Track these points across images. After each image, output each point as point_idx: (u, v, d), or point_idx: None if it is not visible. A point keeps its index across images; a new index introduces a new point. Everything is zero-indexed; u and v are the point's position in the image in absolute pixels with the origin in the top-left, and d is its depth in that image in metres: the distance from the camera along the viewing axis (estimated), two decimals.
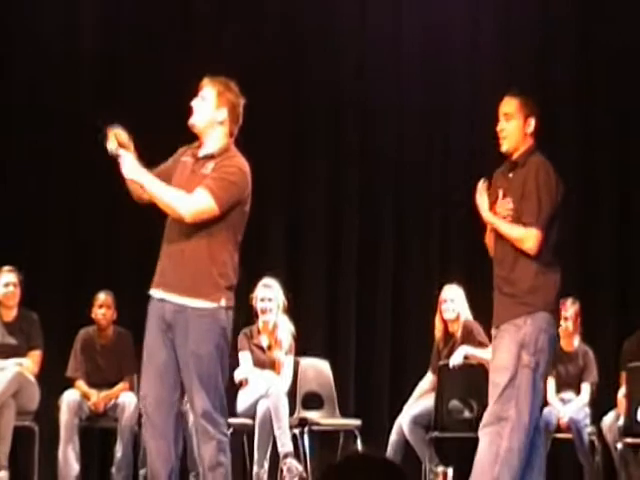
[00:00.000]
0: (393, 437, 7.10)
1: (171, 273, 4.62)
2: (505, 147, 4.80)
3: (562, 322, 7.30)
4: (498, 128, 4.81)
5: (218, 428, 4.62)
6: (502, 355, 4.68)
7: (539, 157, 4.80)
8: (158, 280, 4.67)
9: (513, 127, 4.81)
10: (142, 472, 6.98)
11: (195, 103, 4.69)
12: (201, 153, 4.68)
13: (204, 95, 4.68)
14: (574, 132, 8.25)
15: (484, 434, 4.64)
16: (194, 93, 4.71)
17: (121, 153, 4.54)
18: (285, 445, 6.76)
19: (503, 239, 4.75)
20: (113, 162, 4.60)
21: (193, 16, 8.49)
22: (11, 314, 7.27)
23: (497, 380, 4.66)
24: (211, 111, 4.67)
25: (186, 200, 4.55)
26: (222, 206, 4.56)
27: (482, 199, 4.81)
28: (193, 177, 4.61)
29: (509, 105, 4.82)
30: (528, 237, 4.68)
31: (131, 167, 4.58)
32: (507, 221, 4.73)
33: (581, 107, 8.27)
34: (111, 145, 4.53)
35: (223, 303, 4.60)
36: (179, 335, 4.60)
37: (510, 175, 4.80)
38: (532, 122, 4.80)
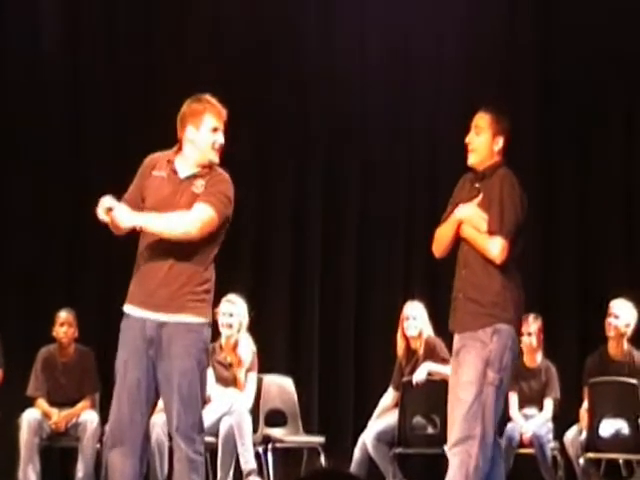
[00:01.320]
0: (357, 454, 7.08)
1: (156, 290, 4.59)
2: (471, 160, 4.81)
3: (525, 338, 7.33)
4: (467, 140, 4.82)
5: (193, 446, 4.59)
6: (468, 371, 4.65)
7: (506, 171, 4.81)
8: (138, 298, 4.63)
9: (481, 141, 4.81)
10: None
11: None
12: (183, 173, 4.66)
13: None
14: (535, 139, 8.32)
15: (454, 454, 4.63)
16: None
17: (112, 211, 4.56)
18: (248, 462, 6.76)
19: (469, 244, 4.74)
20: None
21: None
22: None
23: (462, 396, 4.64)
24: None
25: (189, 218, 4.56)
26: (220, 219, 4.60)
27: (465, 207, 4.76)
28: (183, 196, 4.61)
29: (481, 119, 4.82)
30: (493, 245, 4.67)
31: (124, 218, 4.56)
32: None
33: (543, 115, 8.34)
34: (102, 216, 4.57)
35: (208, 318, 4.62)
36: (162, 350, 4.57)
37: (476, 185, 4.81)
38: (500, 141, 4.80)
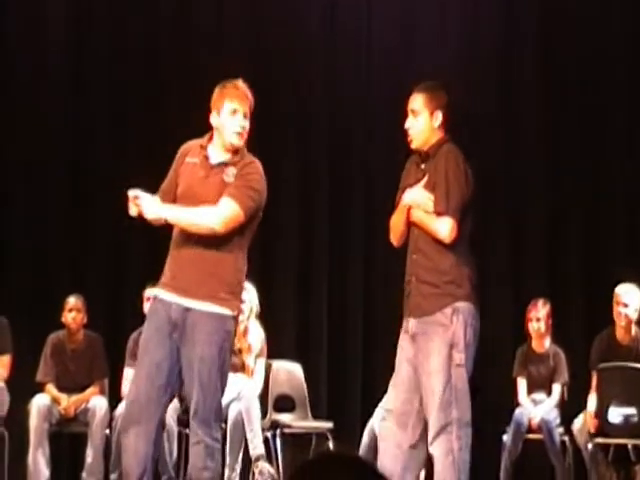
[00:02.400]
0: (365, 439, 7.11)
1: (183, 275, 4.62)
2: (414, 144, 4.78)
3: (534, 323, 7.46)
4: (405, 126, 4.78)
5: (209, 432, 4.63)
6: (434, 359, 4.62)
7: (450, 147, 4.76)
8: (169, 283, 4.65)
9: (420, 123, 4.76)
10: (113, 476, 6.99)
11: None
12: (214, 159, 4.71)
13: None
14: (537, 128, 8.36)
15: (436, 447, 4.60)
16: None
17: (139, 204, 4.60)
18: (257, 448, 6.77)
19: (419, 228, 4.72)
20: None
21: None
22: None
23: (433, 386, 4.61)
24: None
25: (214, 213, 4.59)
26: (247, 214, 4.64)
27: (412, 192, 4.75)
28: (212, 183, 4.65)
29: (415, 101, 4.78)
30: (441, 225, 4.66)
31: (149, 210, 4.61)
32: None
33: (545, 107, 8.36)
34: (132, 210, 4.63)
35: (234, 312, 4.67)
36: (186, 336, 4.60)
37: (422, 166, 4.78)
38: (439, 115, 4.75)
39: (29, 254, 8.06)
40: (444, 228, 4.64)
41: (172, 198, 4.73)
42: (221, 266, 4.63)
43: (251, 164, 4.72)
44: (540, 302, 7.38)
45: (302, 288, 8.30)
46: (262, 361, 7.25)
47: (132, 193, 4.61)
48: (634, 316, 7.11)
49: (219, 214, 4.59)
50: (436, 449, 4.58)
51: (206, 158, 4.71)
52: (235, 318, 4.70)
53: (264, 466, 6.69)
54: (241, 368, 7.15)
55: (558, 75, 8.28)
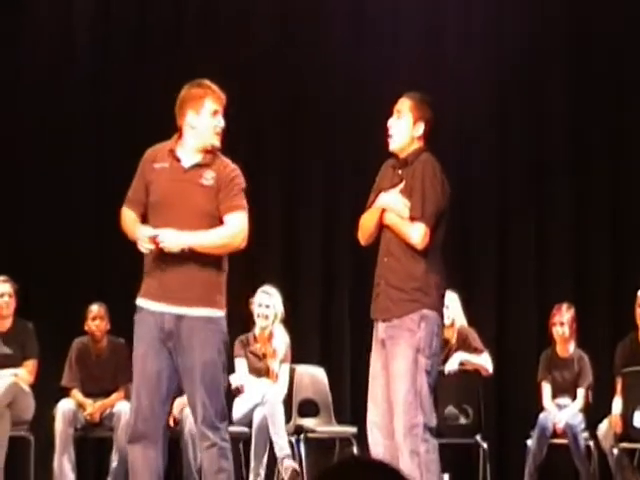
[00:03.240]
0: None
1: (175, 284, 4.58)
2: (392, 146, 4.81)
3: (558, 327, 7.48)
4: (388, 123, 4.82)
5: (219, 434, 4.62)
6: (400, 362, 4.68)
7: (428, 156, 4.80)
8: (156, 292, 4.61)
9: (402, 126, 4.81)
10: None
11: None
12: (186, 162, 4.63)
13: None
14: (564, 129, 8.38)
15: (402, 450, 4.65)
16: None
17: (158, 238, 4.53)
18: (283, 449, 6.79)
19: (392, 231, 4.75)
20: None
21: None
22: (6, 324, 7.28)
23: (398, 388, 4.67)
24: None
25: (236, 234, 4.61)
26: (247, 215, 4.69)
27: (388, 195, 4.80)
28: (190, 188, 4.58)
29: (402, 103, 4.83)
30: (414, 231, 4.69)
31: (173, 242, 4.53)
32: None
33: (573, 107, 8.37)
34: (145, 247, 4.55)
35: (223, 311, 4.66)
36: (182, 343, 4.58)
37: (400, 172, 4.81)
38: (421, 127, 4.79)
39: (54, 262, 8.09)
40: (417, 234, 4.68)
41: (142, 207, 4.68)
42: (207, 268, 4.60)
43: (228, 167, 4.67)
44: (564, 306, 7.39)
45: (326, 293, 8.32)
46: (286, 366, 7.26)
47: (148, 234, 4.53)
48: None
49: (238, 232, 4.62)
50: (403, 451, 4.64)
51: (177, 161, 4.64)
52: (226, 316, 4.69)
53: (289, 463, 6.71)
54: (265, 373, 7.20)
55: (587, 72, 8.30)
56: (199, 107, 4.62)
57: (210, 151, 4.64)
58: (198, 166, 4.60)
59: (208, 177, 4.59)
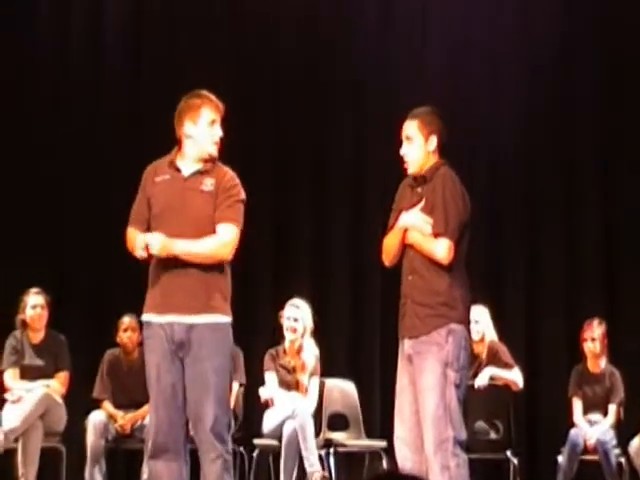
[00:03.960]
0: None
1: (181, 294, 4.60)
2: (411, 170, 4.83)
3: (589, 343, 7.47)
4: (401, 152, 4.84)
5: (226, 446, 4.63)
6: (428, 376, 4.68)
7: (446, 170, 4.82)
8: (162, 304, 4.63)
9: (415, 149, 4.82)
10: None
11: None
12: (186, 171, 4.67)
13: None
14: (591, 141, 8.41)
15: (433, 462, 4.66)
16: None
17: (149, 244, 4.58)
18: (313, 465, 6.78)
19: (415, 249, 4.77)
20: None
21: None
22: (39, 336, 7.33)
23: (427, 403, 4.68)
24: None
25: (222, 244, 4.63)
26: (240, 228, 4.69)
27: (409, 215, 4.82)
28: (191, 196, 4.63)
29: (409, 127, 4.84)
30: (439, 247, 4.71)
31: (160, 248, 4.58)
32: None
33: (603, 115, 8.37)
34: (139, 253, 4.62)
35: (230, 317, 4.68)
36: (192, 352, 4.60)
37: (419, 190, 4.83)
38: (434, 140, 4.80)
39: (86, 274, 8.17)
40: (442, 249, 4.70)
41: (145, 224, 4.71)
42: (212, 275, 4.63)
43: (227, 176, 4.70)
44: (595, 322, 7.38)
45: (355, 306, 8.33)
46: (316, 379, 7.25)
47: (141, 239, 4.60)
48: None
49: (226, 243, 4.63)
50: (433, 466, 4.64)
51: (177, 171, 4.68)
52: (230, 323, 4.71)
53: (320, 474, 6.74)
54: (295, 386, 7.19)
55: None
56: (196, 117, 4.66)
57: (209, 160, 4.67)
58: (198, 173, 4.65)
59: (208, 184, 4.63)
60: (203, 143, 4.66)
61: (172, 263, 4.60)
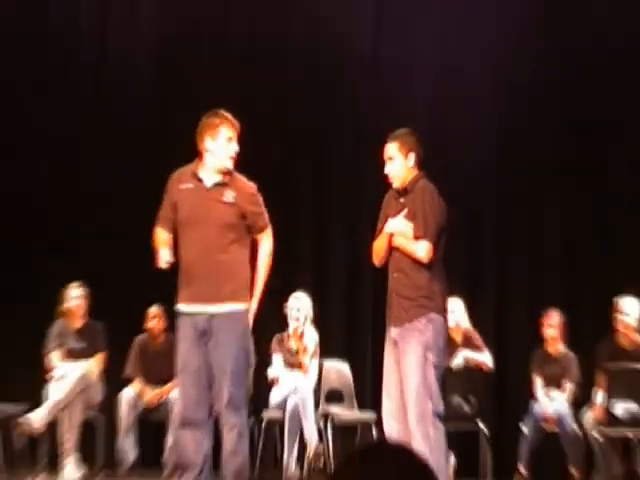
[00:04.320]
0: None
1: (207, 284, 4.65)
2: (395, 185, 4.96)
3: (549, 330, 7.44)
4: (385, 171, 4.93)
5: (241, 417, 4.67)
6: (411, 358, 4.74)
7: (425, 183, 4.93)
8: (190, 296, 4.70)
9: (397, 167, 4.92)
10: None
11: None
12: (208, 182, 4.74)
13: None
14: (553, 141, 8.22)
15: (416, 432, 4.70)
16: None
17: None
18: (312, 433, 6.84)
19: (400, 251, 4.86)
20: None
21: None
22: (79, 323, 7.42)
23: (410, 381, 4.73)
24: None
25: (269, 252, 4.88)
26: (270, 227, 4.89)
27: (394, 221, 4.92)
28: (213, 205, 4.71)
29: (389, 149, 4.95)
30: (420, 248, 4.78)
31: (251, 316, 4.81)
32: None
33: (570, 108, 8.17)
34: (163, 265, 4.77)
35: (248, 304, 4.76)
36: (213, 339, 4.66)
37: (402, 200, 4.92)
38: (412, 156, 4.91)
39: (119, 269, 8.16)
40: (422, 250, 4.78)
41: (171, 224, 4.77)
42: (234, 268, 4.68)
43: (246, 185, 4.78)
44: (553, 311, 7.45)
45: (350, 297, 8.24)
46: (315, 360, 7.30)
47: (167, 258, 4.75)
48: (634, 324, 7.17)
49: (271, 248, 4.90)
50: (416, 435, 4.70)
51: (200, 181, 4.72)
52: (248, 310, 4.75)
53: (318, 449, 6.78)
54: (298, 366, 7.26)
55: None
56: (215, 134, 4.71)
57: (227, 172, 4.74)
58: (219, 185, 4.72)
59: (229, 196, 4.71)
60: (221, 157, 4.71)
61: (201, 255, 4.67)
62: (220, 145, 4.72)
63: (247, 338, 4.81)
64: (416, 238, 4.81)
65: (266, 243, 4.89)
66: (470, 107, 8.16)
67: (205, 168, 4.75)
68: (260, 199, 4.82)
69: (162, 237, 4.81)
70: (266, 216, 4.86)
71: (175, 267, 4.53)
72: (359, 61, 8.41)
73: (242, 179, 4.82)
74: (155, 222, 4.88)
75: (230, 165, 4.76)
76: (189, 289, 4.72)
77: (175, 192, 4.78)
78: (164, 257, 4.72)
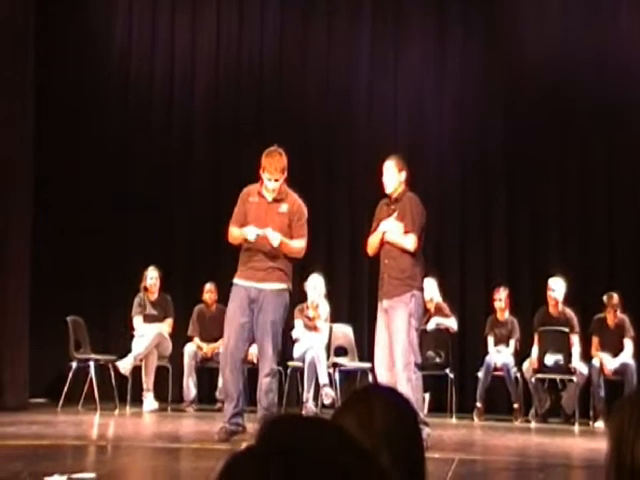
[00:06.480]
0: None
1: (259, 269, 4.83)
2: (388, 190, 5.12)
3: (497, 302, 7.54)
4: (383, 180, 5.11)
5: (273, 366, 4.86)
6: (398, 322, 4.90)
7: (411, 194, 5.13)
8: (246, 274, 4.88)
9: (392, 178, 5.08)
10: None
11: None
12: (268, 198, 4.97)
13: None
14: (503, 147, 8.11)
15: (401, 376, 4.81)
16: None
17: (267, 236, 4.78)
18: (324, 379, 6.96)
19: (390, 244, 5.02)
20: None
21: None
22: (154, 296, 7.64)
23: (399, 338, 4.87)
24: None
25: (300, 248, 4.99)
26: (306, 239, 5.07)
27: (386, 223, 5.05)
28: (272, 215, 4.95)
29: (387, 166, 5.13)
30: (409, 240, 4.94)
31: (276, 237, 4.82)
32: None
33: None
34: (252, 236, 4.82)
35: (290, 284, 5.03)
36: (260, 307, 4.85)
37: (392, 207, 5.11)
38: (403, 173, 5.10)
39: (185, 254, 8.16)
40: (410, 242, 4.94)
41: (241, 225, 4.91)
42: (280, 260, 4.89)
43: (296, 201, 4.97)
44: (501, 288, 7.59)
45: (353, 279, 8.18)
46: (327, 324, 7.45)
47: (257, 231, 4.80)
48: (560, 298, 7.33)
49: (303, 249, 5.04)
50: (401, 379, 4.85)
51: (263, 197, 4.99)
52: (289, 289, 4.95)
53: (328, 390, 6.88)
54: (314, 328, 7.36)
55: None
56: (263, 170, 4.98)
57: (283, 191, 5.02)
58: (276, 201, 5.02)
59: (283, 209, 4.99)
60: (266, 187, 4.94)
61: (258, 248, 4.85)
62: (265, 179, 5.01)
63: (285, 310, 5.01)
64: (405, 232, 4.97)
65: (299, 243, 5.11)
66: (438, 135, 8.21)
67: (264, 188, 5.04)
68: (304, 214, 5.01)
69: (237, 231, 5.04)
70: (305, 227, 5.04)
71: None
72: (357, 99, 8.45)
73: (294, 196, 5.06)
74: (229, 222, 5.05)
75: (272, 194, 4.96)
76: (246, 269, 4.92)
77: (245, 202, 5.01)
78: (254, 231, 4.85)
